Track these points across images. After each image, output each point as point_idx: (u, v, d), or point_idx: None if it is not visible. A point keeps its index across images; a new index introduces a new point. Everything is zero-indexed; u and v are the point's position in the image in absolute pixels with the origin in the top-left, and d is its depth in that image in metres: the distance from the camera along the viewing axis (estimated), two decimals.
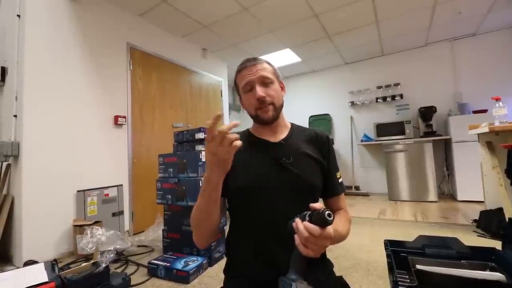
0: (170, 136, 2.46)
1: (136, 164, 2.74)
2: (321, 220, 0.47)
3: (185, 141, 2.20)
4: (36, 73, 2.04)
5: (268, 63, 0.79)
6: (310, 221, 0.49)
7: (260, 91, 0.72)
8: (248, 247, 0.71)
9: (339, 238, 0.66)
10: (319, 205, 0.52)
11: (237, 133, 0.86)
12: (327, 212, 0.46)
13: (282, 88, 0.81)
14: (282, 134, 0.80)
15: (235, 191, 0.72)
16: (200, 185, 1.75)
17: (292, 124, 0.86)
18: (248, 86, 0.75)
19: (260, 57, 0.79)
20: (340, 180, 0.81)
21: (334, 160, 0.81)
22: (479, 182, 2.43)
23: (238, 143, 0.56)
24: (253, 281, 0.69)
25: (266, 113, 0.74)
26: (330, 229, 0.48)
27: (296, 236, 0.50)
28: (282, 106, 0.78)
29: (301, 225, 0.49)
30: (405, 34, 3.64)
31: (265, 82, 0.74)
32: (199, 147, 2.10)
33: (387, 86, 4.30)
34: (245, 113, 6.61)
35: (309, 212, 0.51)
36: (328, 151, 0.80)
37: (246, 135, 0.83)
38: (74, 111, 2.26)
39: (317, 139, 0.81)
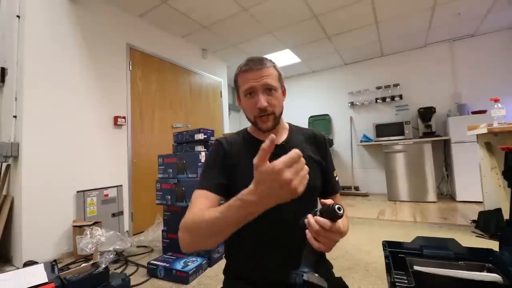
0: (170, 137, 2.46)
1: (135, 165, 2.74)
2: (331, 214, 0.48)
3: (185, 141, 2.21)
4: (36, 73, 2.04)
5: (274, 66, 0.76)
6: (321, 215, 0.51)
7: (263, 100, 0.70)
8: (248, 252, 0.71)
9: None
10: (329, 200, 0.53)
11: (236, 133, 0.86)
12: (337, 206, 0.48)
13: (284, 93, 0.79)
14: (282, 136, 0.80)
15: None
16: None
17: (290, 125, 0.85)
18: (250, 90, 0.73)
19: (266, 57, 0.76)
20: (337, 179, 0.83)
21: (331, 160, 0.83)
22: (478, 182, 2.43)
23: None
24: (253, 284, 0.69)
25: (265, 123, 0.73)
26: (340, 223, 0.49)
27: (307, 231, 0.51)
28: (282, 113, 0.77)
29: (312, 219, 0.50)
30: (404, 35, 3.64)
31: (268, 89, 0.72)
32: (198, 148, 2.11)
33: (387, 86, 4.30)
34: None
35: (320, 208, 0.53)
36: (325, 151, 0.82)
37: (245, 136, 0.82)
38: (73, 112, 2.26)
39: (315, 139, 0.82)
